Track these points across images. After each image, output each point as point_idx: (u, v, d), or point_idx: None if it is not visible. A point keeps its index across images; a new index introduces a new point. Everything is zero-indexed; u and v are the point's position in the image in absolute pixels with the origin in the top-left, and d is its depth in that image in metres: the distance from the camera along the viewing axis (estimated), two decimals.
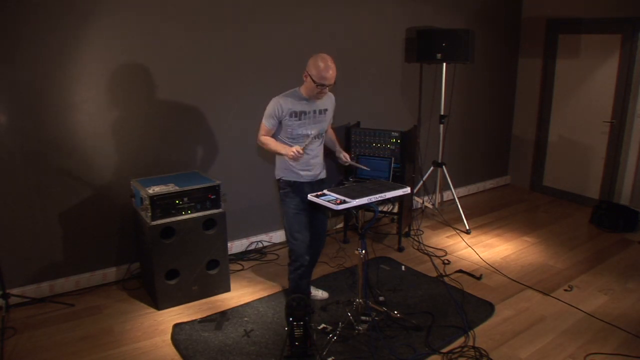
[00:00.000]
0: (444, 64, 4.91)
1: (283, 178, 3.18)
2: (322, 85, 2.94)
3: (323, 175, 3.29)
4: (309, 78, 2.96)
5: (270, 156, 3.35)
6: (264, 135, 3.12)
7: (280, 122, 3.07)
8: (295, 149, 2.96)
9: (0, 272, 3.17)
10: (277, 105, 3.03)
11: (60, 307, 3.42)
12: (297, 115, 3.05)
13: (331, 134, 3.43)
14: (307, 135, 3.10)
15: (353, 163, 3.53)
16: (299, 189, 3.15)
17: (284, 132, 3.09)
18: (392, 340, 3.02)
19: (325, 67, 2.90)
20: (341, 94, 4.23)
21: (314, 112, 3.11)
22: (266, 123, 3.08)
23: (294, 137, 3.09)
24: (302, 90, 3.06)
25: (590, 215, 5.16)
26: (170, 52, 3.71)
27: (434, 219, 5.25)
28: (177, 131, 3.88)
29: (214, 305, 3.50)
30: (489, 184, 6.36)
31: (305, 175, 3.16)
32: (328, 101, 3.21)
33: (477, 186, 6.24)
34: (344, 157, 3.37)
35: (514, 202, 5.82)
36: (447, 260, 4.25)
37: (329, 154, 3.44)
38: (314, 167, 3.19)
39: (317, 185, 3.20)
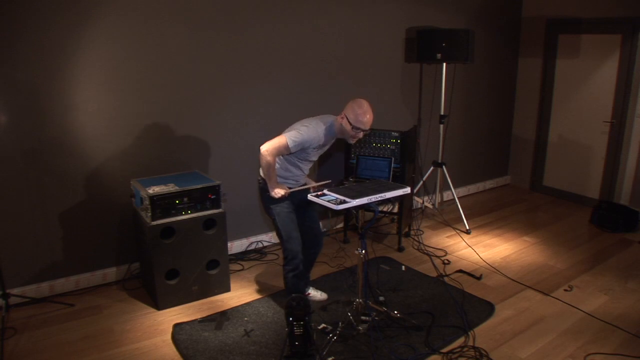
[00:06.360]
0: (444, 64, 4.91)
1: None
2: (358, 129, 2.98)
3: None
4: (345, 120, 2.99)
5: None
6: (275, 156, 3.00)
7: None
8: (285, 192, 3.02)
9: (1, 272, 3.16)
10: (317, 138, 3.01)
11: (60, 307, 3.42)
12: (321, 147, 3.13)
13: None
14: (313, 162, 3.22)
15: (317, 185, 3.33)
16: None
17: (297, 155, 3.09)
18: (392, 340, 3.02)
19: (362, 112, 2.95)
20: (341, 93, 4.26)
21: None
22: (291, 146, 2.96)
23: (305, 161, 3.15)
24: (336, 129, 3.07)
25: (590, 215, 5.16)
26: (170, 52, 3.71)
27: (434, 219, 5.25)
28: (177, 131, 3.88)
29: (214, 305, 3.50)
30: (489, 184, 6.36)
31: (293, 184, 3.22)
32: None
33: (477, 186, 6.24)
34: (312, 187, 3.31)
35: (514, 202, 5.82)
36: (447, 260, 4.25)
37: (325, 161, 3.44)
38: (300, 178, 3.26)
39: (304, 190, 3.23)
